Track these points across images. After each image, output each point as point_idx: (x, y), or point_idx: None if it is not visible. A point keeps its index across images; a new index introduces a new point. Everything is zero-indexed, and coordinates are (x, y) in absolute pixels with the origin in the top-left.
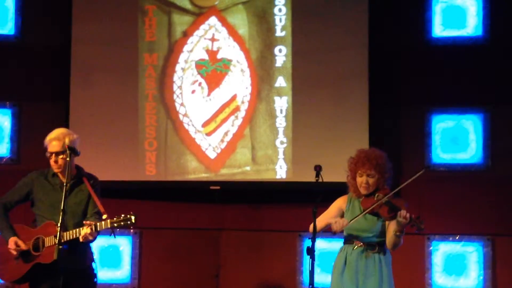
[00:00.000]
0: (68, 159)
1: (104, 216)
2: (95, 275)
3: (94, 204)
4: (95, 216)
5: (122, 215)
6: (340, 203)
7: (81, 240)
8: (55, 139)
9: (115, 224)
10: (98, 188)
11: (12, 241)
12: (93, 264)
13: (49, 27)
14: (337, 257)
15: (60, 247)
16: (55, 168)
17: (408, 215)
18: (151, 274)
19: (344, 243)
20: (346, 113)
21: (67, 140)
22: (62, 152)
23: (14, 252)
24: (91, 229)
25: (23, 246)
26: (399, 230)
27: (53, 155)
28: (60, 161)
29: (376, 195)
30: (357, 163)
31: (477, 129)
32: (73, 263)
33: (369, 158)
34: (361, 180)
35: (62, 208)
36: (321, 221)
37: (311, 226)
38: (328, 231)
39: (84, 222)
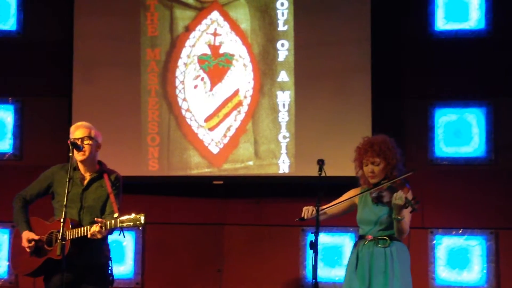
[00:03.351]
0: (71, 154)
1: (115, 215)
2: (110, 273)
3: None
4: (112, 215)
5: (132, 215)
6: (351, 194)
7: (88, 236)
8: (82, 126)
9: (124, 224)
10: (119, 185)
11: (25, 238)
12: (109, 262)
13: (51, 22)
14: (351, 252)
15: (63, 242)
16: (79, 155)
17: (403, 196)
18: (154, 269)
19: (358, 238)
20: (349, 107)
21: (93, 132)
22: (89, 138)
23: (28, 250)
24: (101, 227)
25: (36, 238)
26: (397, 214)
27: (79, 140)
28: (86, 147)
29: (382, 182)
30: (360, 152)
31: (480, 122)
32: (84, 259)
33: (372, 144)
34: (366, 169)
35: (64, 203)
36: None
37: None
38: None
39: (95, 219)
